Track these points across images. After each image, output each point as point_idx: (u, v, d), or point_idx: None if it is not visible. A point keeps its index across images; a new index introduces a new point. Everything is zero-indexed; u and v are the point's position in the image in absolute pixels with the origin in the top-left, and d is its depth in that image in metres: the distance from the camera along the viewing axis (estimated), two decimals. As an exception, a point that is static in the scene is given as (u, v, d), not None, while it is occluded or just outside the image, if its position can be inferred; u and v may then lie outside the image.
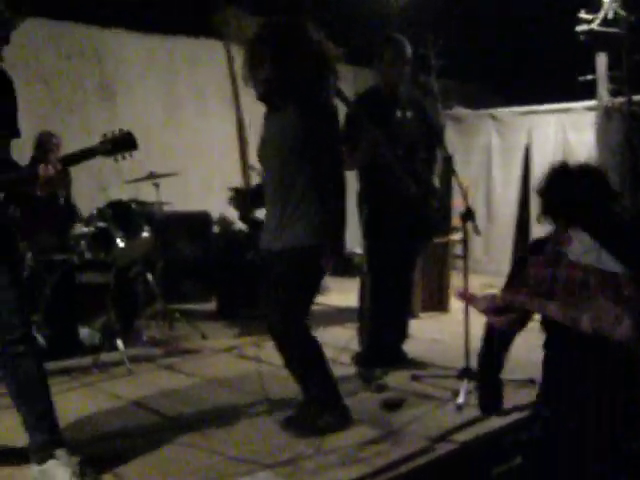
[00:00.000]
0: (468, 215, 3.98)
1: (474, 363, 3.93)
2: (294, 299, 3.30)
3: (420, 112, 4.32)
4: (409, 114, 4.23)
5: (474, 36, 8.71)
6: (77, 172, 5.75)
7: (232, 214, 6.90)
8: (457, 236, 6.16)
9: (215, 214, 7.09)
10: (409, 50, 4.24)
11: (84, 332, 4.75)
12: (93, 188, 6.86)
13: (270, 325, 3.35)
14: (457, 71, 8.78)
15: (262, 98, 3.34)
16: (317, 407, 3.37)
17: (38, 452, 2.79)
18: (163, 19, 7.45)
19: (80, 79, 7.23)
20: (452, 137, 8.72)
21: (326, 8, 8.44)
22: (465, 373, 3.90)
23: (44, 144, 5.63)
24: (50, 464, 2.74)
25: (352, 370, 4.32)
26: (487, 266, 8.43)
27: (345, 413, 3.41)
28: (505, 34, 8.98)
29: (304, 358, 3.38)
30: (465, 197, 4.03)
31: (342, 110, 3.68)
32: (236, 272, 6.14)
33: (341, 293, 6.71)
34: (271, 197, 3.34)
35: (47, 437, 2.80)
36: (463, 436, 3.33)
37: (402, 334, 4.58)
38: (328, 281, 8.10)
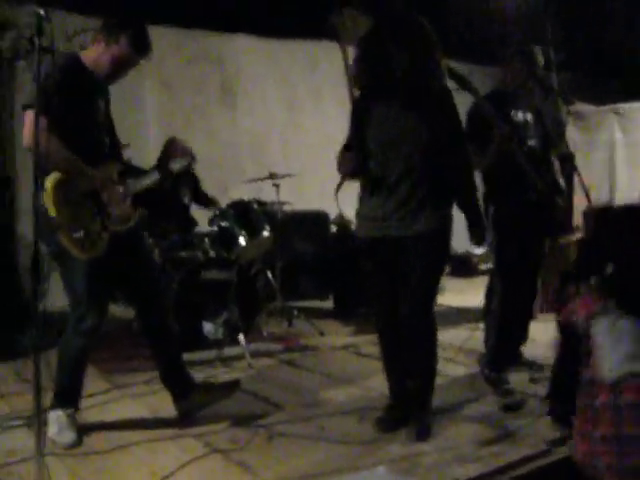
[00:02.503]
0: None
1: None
2: (437, 283, 3.36)
3: (538, 114, 4.27)
4: (529, 116, 4.17)
5: (597, 28, 8.40)
6: (199, 172, 6.04)
7: (350, 214, 6.99)
8: (579, 236, 5.99)
9: (333, 214, 7.19)
10: (541, 62, 4.20)
11: (208, 327, 4.95)
12: (215, 189, 7.10)
13: (414, 315, 3.31)
14: (579, 65, 8.50)
15: (384, 89, 3.28)
16: (428, 406, 3.42)
17: None
18: (282, 23, 7.61)
19: (202, 83, 7.52)
20: (573, 134, 8.44)
21: (443, 5, 8.38)
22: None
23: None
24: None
25: (467, 370, 4.33)
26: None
27: None
28: (632, 24, 8.58)
29: (435, 351, 3.43)
30: (587, 195, 3.93)
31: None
32: (352, 271, 6.21)
33: (458, 293, 6.66)
34: (396, 185, 3.27)
35: None
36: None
37: (524, 336, 4.52)
38: (444, 281, 8.09)
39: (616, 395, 2.44)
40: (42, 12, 2.45)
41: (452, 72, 3.46)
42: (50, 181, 3.12)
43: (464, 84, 3.54)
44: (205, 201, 6.00)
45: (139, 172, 3.74)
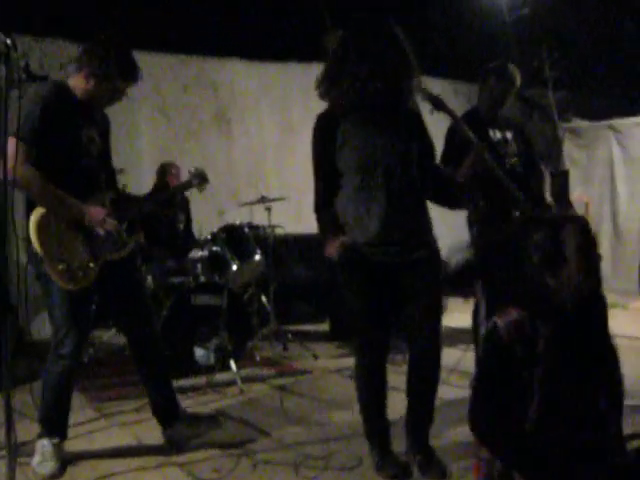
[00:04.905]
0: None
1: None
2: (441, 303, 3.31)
3: (519, 130, 4.23)
4: (509, 134, 4.14)
5: (590, 45, 8.39)
6: (195, 197, 6.02)
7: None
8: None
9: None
10: (518, 82, 4.17)
11: (199, 352, 4.91)
12: (211, 212, 7.09)
13: (437, 343, 3.20)
14: (575, 82, 8.48)
15: (355, 104, 3.07)
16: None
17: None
18: (275, 46, 7.64)
19: (197, 109, 7.53)
20: (571, 151, 8.43)
21: (433, 23, 8.39)
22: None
23: (164, 173, 5.94)
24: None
25: (459, 393, 4.26)
26: (614, 284, 8.07)
27: None
28: (622, 39, 8.55)
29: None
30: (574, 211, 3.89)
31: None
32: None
33: (453, 312, 6.58)
34: (392, 209, 3.07)
35: None
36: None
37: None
38: (445, 300, 8.01)
39: None
40: (8, 41, 2.44)
41: (426, 92, 3.33)
42: (34, 217, 3.13)
43: (438, 104, 3.40)
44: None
45: (132, 199, 3.74)
